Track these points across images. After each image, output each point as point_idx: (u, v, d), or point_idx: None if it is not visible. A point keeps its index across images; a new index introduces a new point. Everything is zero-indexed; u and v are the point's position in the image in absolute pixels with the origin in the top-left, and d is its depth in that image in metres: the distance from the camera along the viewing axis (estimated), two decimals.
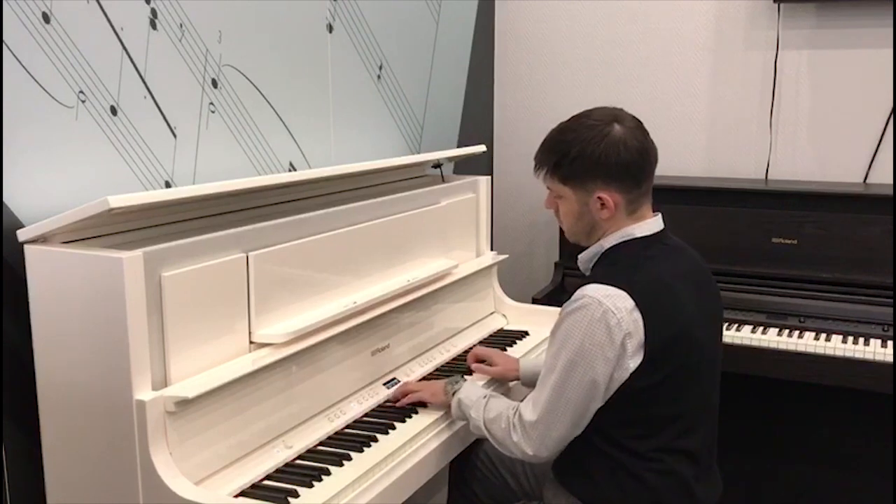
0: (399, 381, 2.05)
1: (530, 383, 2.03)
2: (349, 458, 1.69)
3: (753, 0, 2.90)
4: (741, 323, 2.57)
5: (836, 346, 2.42)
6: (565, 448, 1.69)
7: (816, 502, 2.77)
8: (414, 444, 1.80)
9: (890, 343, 2.40)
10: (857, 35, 2.78)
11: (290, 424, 1.75)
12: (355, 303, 1.90)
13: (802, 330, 2.52)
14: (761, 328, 2.55)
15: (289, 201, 1.97)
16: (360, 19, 2.42)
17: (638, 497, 1.64)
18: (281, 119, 2.16)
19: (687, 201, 2.70)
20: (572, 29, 3.20)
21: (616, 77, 3.15)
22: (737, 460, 2.76)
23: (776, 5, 2.83)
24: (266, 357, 1.66)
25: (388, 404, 1.96)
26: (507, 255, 2.66)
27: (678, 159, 3.04)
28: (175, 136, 1.86)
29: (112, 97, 1.71)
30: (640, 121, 1.69)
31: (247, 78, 2.04)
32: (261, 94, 2.08)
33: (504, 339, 2.45)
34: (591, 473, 1.68)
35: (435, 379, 2.05)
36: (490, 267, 2.58)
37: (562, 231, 1.76)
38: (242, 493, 1.56)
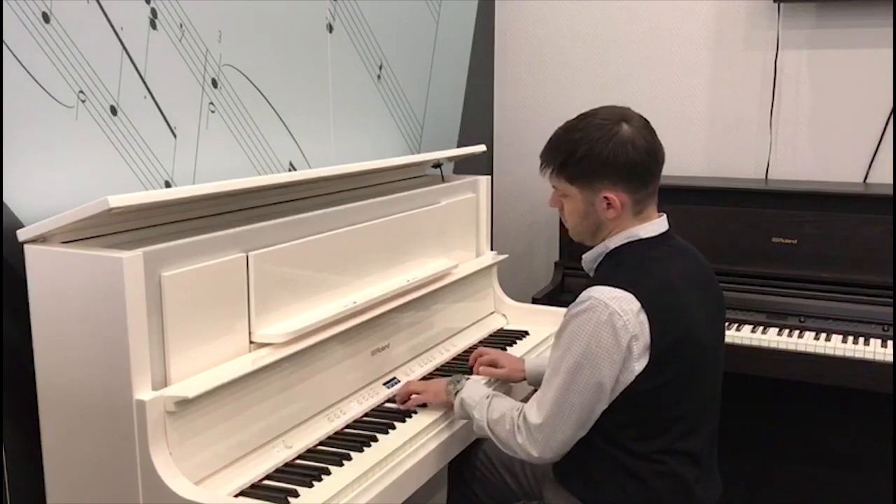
0: (399, 381, 2.05)
1: (536, 382, 2.03)
2: (349, 458, 1.69)
3: (753, 0, 2.90)
4: (741, 323, 2.57)
5: (836, 345, 2.42)
6: None
7: (816, 502, 2.77)
8: (414, 444, 1.80)
9: (890, 343, 2.40)
10: (857, 35, 2.78)
11: (290, 424, 1.75)
12: (355, 303, 1.90)
13: (802, 330, 2.52)
14: (761, 328, 2.55)
15: (289, 201, 1.97)
16: (360, 19, 2.42)
17: (638, 498, 1.64)
18: (281, 119, 2.16)
19: (687, 201, 2.70)
20: (572, 29, 3.20)
21: (616, 77, 3.15)
22: (737, 460, 2.76)
23: (776, 5, 2.83)
24: (266, 357, 1.66)
25: (388, 404, 1.97)
26: (507, 255, 2.66)
27: (678, 159, 3.04)
28: (175, 135, 1.86)
29: (112, 97, 1.71)
30: (647, 120, 1.68)
31: (247, 78, 2.04)
32: (261, 93, 2.08)
33: (504, 338, 2.45)
34: (592, 474, 1.68)
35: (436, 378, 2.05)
36: (490, 267, 2.58)
37: (562, 231, 1.76)
38: (242, 493, 1.56)
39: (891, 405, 2.47)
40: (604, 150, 1.62)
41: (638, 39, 3.10)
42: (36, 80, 1.56)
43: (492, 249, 2.66)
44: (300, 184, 1.98)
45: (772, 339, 2.50)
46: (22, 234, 1.50)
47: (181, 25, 1.84)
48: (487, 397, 1.78)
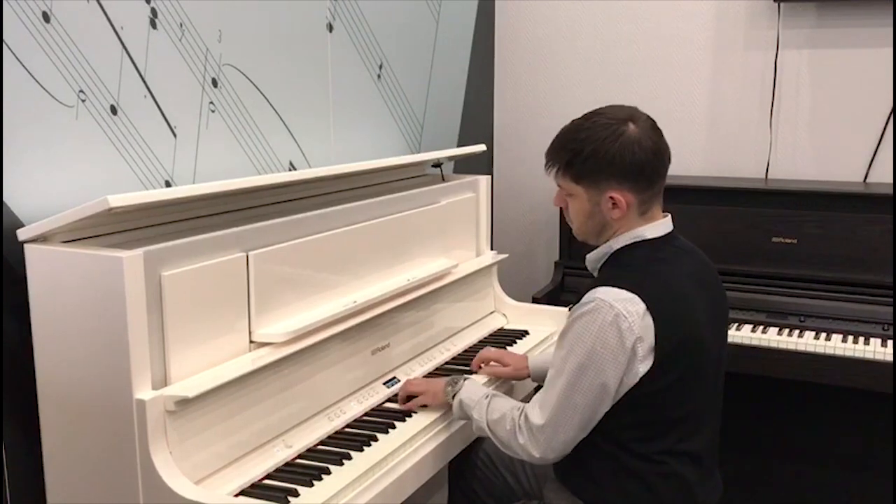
0: (399, 381, 2.05)
1: (540, 378, 2.03)
2: (349, 458, 1.69)
3: (753, 0, 2.90)
4: (741, 322, 2.57)
5: (836, 345, 2.42)
6: None
7: (816, 502, 2.77)
8: (414, 444, 1.80)
9: (890, 342, 2.40)
10: (857, 34, 2.78)
11: (290, 424, 1.75)
12: (355, 302, 1.90)
13: (802, 329, 2.52)
14: (761, 327, 2.55)
15: (289, 200, 1.97)
16: (361, 19, 2.42)
17: (640, 499, 1.64)
18: (281, 118, 2.16)
19: (687, 201, 2.70)
20: (572, 29, 3.20)
21: (616, 77, 3.15)
22: (737, 460, 2.76)
23: (776, 5, 2.83)
24: (266, 356, 1.66)
25: (388, 404, 1.96)
26: (507, 255, 2.66)
27: (678, 159, 2.98)
28: (175, 135, 1.86)
29: (112, 96, 1.71)
30: (654, 120, 1.67)
31: (247, 77, 2.04)
32: (261, 93, 2.08)
33: (504, 338, 2.44)
34: (594, 474, 1.68)
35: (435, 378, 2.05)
36: (490, 266, 2.58)
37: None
38: (242, 493, 1.56)
39: (891, 405, 2.47)
40: (610, 150, 1.61)
41: (638, 39, 3.10)
42: (36, 80, 1.56)
43: (492, 249, 2.66)
44: (300, 183, 1.98)
45: (772, 338, 2.50)
46: (22, 234, 1.50)
47: (181, 25, 1.84)
48: (486, 397, 1.77)
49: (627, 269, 1.65)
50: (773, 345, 2.48)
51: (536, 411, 1.64)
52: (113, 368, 1.44)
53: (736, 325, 2.56)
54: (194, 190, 1.59)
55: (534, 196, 3.31)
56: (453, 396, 1.84)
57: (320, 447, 1.74)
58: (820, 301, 2.56)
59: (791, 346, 2.46)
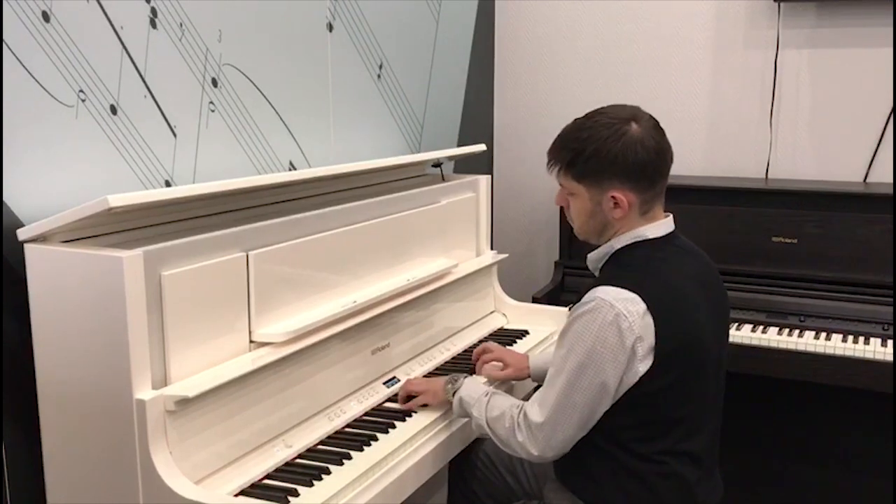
0: (399, 381, 2.05)
1: (540, 378, 2.03)
2: (349, 458, 1.69)
3: (753, 0, 2.90)
4: (741, 322, 2.57)
5: (835, 345, 2.42)
6: None
7: (816, 502, 2.77)
8: (414, 444, 1.80)
9: (890, 342, 2.40)
10: (857, 34, 2.78)
11: (290, 423, 1.75)
12: (355, 302, 1.90)
13: (802, 329, 2.52)
14: (761, 327, 2.55)
15: (289, 200, 1.97)
16: (361, 18, 2.42)
17: (640, 499, 1.64)
18: (281, 118, 2.16)
19: (687, 200, 2.70)
20: (572, 29, 3.20)
21: (616, 76, 3.15)
22: (736, 460, 2.76)
23: (776, 5, 2.83)
24: (266, 356, 1.66)
25: (388, 404, 1.96)
26: (507, 255, 2.66)
27: (678, 159, 2.98)
28: (175, 135, 1.86)
29: (112, 96, 1.71)
30: (656, 120, 1.67)
31: (247, 77, 2.04)
32: (261, 93, 2.08)
33: (504, 338, 2.44)
34: (594, 474, 1.68)
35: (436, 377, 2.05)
36: (490, 266, 2.58)
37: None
38: (242, 493, 1.55)
39: (891, 404, 2.47)
40: (612, 149, 1.61)
41: (638, 39, 3.10)
42: (36, 80, 1.56)
43: (492, 249, 2.66)
44: (300, 183, 1.98)
45: (772, 338, 2.50)
46: (22, 234, 1.50)
47: (181, 25, 1.84)
48: (486, 395, 1.77)
49: (628, 269, 1.65)
50: (774, 344, 2.48)
51: (536, 409, 1.64)
52: (113, 368, 1.44)
53: (736, 324, 2.56)
54: (194, 190, 1.59)
55: (534, 196, 3.31)
56: (453, 394, 1.84)
57: (320, 447, 1.74)
58: (820, 301, 2.56)
59: (791, 346, 2.46)
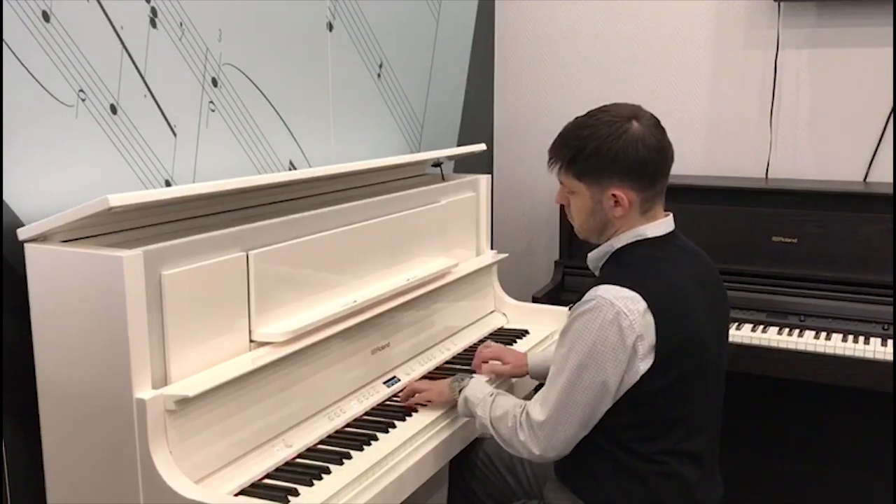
0: (399, 380, 2.05)
1: (539, 376, 2.03)
2: (349, 457, 1.69)
3: (753, 0, 2.90)
4: (741, 322, 2.57)
5: (836, 344, 2.42)
6: None
7: (816, 502, 2.77)
8: (414, 443, 1.80)
9: (890, 342, 2.40)
10: (857, 34, 2.78)
11: (290, 423, 1.75)
12: (355, 301, 1.90)
13: (802, 329, 2.52)
14: (761, 327, 2.55)
15: (289, 200, 1.97)
16: (360, 18, 2.42)
17: (640, 498, 1.64)
18: (281, 118, 2.16)
19: (687, 200, 2.70)
20: (572, 29, 3.20)
21: (616, 76, 3.15)
22: (736, 460, 2.76)
23: (776, 4, 2.83)
24: (266, 356, 1.66)
25: (388, 403, 1.96)
26: (507, 254, 2.66)
27: (678, 158, 2.98)
28: (175, 134, 1.86)
29: (112, 96, 1.71)
30: (657, 119, 1.67)
31: (247, 77, 2.04)
32: (261, 92, 2.08)
33: (504, 337, 2.44)
34: (594, 474, 1.68)
35: (437, 378, 2.05)
36: (490, 266, 2.58)
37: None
38: (242, 492, 1.56)
39: (891, 404, 2.47)
40: (613, 148, 1.61)
41: (638, 39, 3.10)
42: (36, 80, 1.56)
43: (492, 248, 2.66)
44: (300, 183, 1.98)
45: (772, 338, 2.50)
46: (22, 233, 1.50)
47: (181, 24, 1.84)
48: (491, 395, 1.78)
49: (628, 268, 1.65)
50: (774, 344, 2.48)
51: (537, 408, 1.64)
52: (113, 368, 1.44)
53: (736, 324, 2.56)
54: (194, 189, 1.59)
55: (534, 195, 3.31)
56: (459, 392, 1.84)
57: (320, 446, 1.74)
58: (820, 300, 2.56)
59: (791, 346, 2.46)
